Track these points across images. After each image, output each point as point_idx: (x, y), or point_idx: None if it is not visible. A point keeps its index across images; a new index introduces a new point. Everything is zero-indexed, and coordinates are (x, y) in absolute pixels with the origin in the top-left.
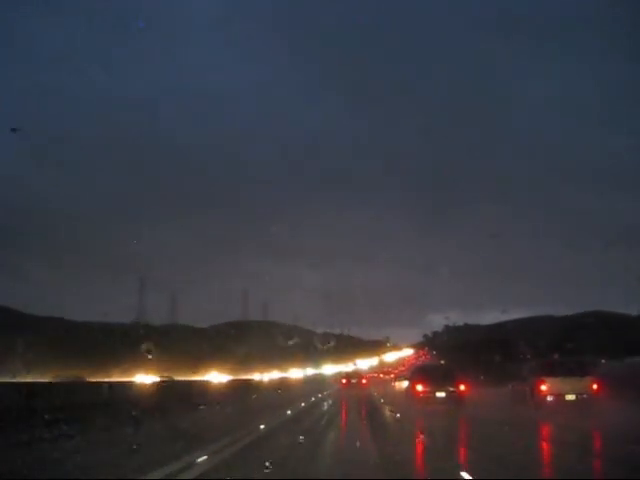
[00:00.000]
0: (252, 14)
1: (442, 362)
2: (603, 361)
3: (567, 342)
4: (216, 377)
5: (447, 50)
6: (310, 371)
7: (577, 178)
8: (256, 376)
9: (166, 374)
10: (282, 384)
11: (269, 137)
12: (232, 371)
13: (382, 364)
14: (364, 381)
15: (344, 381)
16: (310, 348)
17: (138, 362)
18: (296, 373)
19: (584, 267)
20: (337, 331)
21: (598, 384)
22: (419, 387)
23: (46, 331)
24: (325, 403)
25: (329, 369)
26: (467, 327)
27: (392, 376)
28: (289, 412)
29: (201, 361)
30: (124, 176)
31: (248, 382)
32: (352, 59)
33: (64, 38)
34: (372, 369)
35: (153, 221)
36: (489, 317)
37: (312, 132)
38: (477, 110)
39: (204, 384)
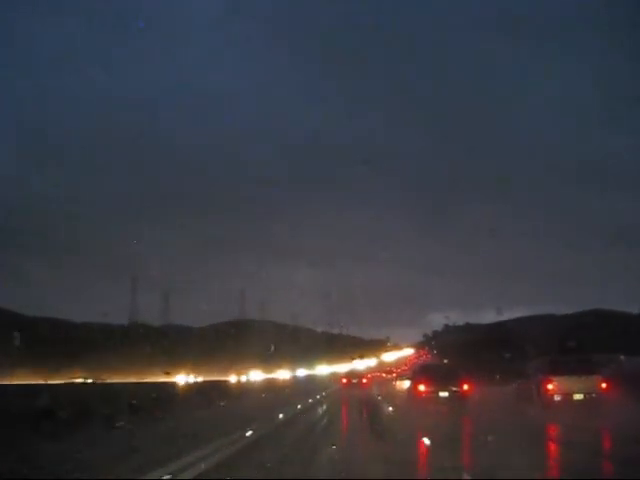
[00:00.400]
0: (252, 14)
1: (445, 361)
2: (622, 357)
3: (568, 340)
4: (183, 379)
5: (447, 50)
6: (303, 371)
7: (577, 178)
8: (232, 377)
9: (84, 375)
10: (269, 386)
11: (269, 137)
12: (221, 372)
13: (382, 364)
14: (364, 381)
15: (344, 380)
16: (309, 347)
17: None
18: (284, 374)
19: (584, 266)
20: (337, 330)
21: (607, 383)
22: (422, 387)
23: (44, 332)
24: (315, 413)
25: (326, 369)
26: (468, 326)
27: (394, 375)
28: (249, 433)
29: (193, 362)
30: (124, 176)
31: (222, 384)
32: (352, 59)
33: (64, 38)
34: (372, 368)
35: (153, 221)
36: (489, 316)
37: (312, 132)
38: (477, 110)
39: (159, 388)
